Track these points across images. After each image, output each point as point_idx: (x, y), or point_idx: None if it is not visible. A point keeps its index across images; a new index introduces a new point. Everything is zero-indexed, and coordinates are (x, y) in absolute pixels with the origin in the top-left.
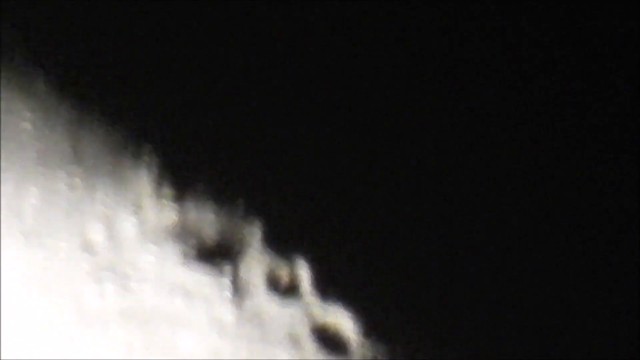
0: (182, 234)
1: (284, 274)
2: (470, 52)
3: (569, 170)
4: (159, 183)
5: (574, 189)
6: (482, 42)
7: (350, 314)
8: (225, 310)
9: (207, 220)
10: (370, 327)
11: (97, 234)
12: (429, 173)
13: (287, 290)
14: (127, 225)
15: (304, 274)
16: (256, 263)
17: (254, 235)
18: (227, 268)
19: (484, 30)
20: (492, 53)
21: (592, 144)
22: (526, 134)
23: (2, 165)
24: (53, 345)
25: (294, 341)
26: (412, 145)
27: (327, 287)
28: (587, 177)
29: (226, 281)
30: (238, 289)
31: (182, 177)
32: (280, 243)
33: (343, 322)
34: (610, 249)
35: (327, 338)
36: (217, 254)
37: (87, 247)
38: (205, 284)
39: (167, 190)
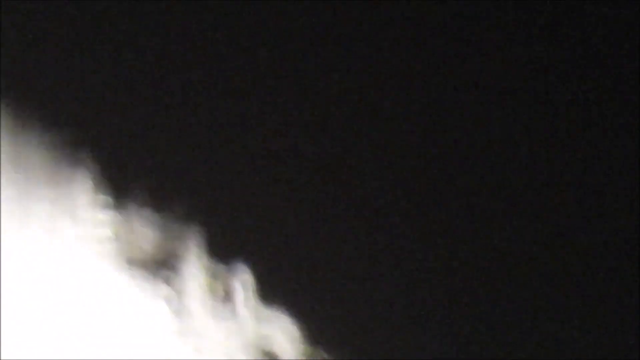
0: (120, 242)
1: (222, 283)
2: (470, 52)
3: (569, 170)
4: (96, 191)
5: (574, 188)
6: (482, 42)
7: (289, 322)
8: (162, 322)
9: (145, 228)
10: (309, 334)
11: (35, 244)
12: (372, 173)
13: (225, 299)
14: (66, 234)
15: (244, 282)
16: (195, 272)
17: (193, 243)
18: (165, 278)
19: (484, 30)
20: (492, 53)
21: (592, 143)
22: (526, 133)
23: None
24: None
25: (230, 355)
26: (351, 142)
27: (267, 295)
28: (587, 177)
29: (163, 292)
30: (175, 300)
31: (120, 184)
32: (220, 250)
33: (281, 332)
34: (611, 249)
35: (263, 351)
36: (155, 263)
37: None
38: (143, 295)
39: (106, 199)
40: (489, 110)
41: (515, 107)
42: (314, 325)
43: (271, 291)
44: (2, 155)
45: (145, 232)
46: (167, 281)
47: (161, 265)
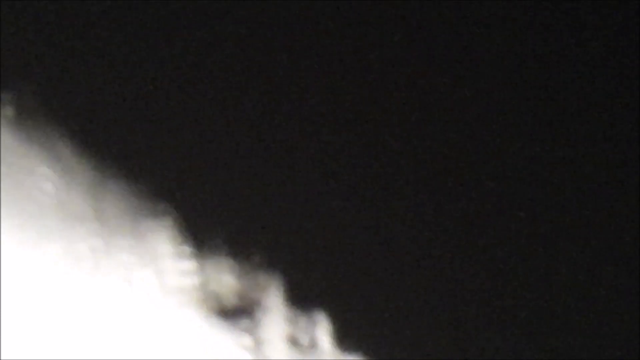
0: (202, 293)
1: (302, 332)
2: (470, 52)
3: (569, 170)
4: (178, 242)
5: (574, 189)
6: (482, 42)
7: None
8: None
9: (226, 278)
10: None
11: (116, 294)
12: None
13: (307, 347)
14: (149, 285)
15: (323, 330)
16: (275, 321)
17: (273, 291)
18: (246, 327)
19: (484, 30)
20: (492, 53)
21: (592, 143)
22: (526, 134)
23: (21, 225)
24: None
25: None
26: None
27: (347, 342)
28: (587, 177)
29: (245, 341)
30: (259, 350)
31: (200, 235)
32: (300, 299)
33: None
34: (611, 249)
35: None
36: (236, 312)
37: (108, 304)
38: (224, 344)
39: (187, 249)
40: (489, 110)
41: (515, 107)
42: None
43: (351, 339)
44: (84, 206)
45: (226, 281)
46: (248, 330)
47: (242, 315)
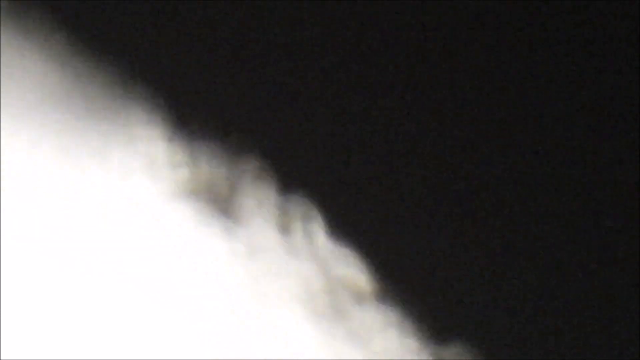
0: (195, 187)
1: (295, 220)
2: (470, 52)
3: (569, 170)
4: (171, 139)
5: (574, 189)
6: (482, 42)
7: (363, 264)
8: (239, 266)
9: (218, 164)
10: (385, 276)
11: (112, 191)
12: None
13: (300, 237)
14: (141, 181)
15: (317, 222)
16: (267, 209)
17: (267, 186)
18: (241, 221)
19: (484, 30)
20: (492, 54)
21: (592, 144)
22: (525, 134)
23: (16, 115)
24: None
25: (309, 296)
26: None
27: (340, 233)
28: (587, 177)
29: (240, 236)
30: (249, 240)
31: (181, 115)
32: (294, 191)
33: (349, 268)
34: (611, 249)
35: (338, 289)
36: (227, 199)
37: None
38: (219, 239)
39: (179, 146)
40: (489, 111)
41: (515, 107)
42: (383, 262)
43: (343, 229)
44: (76, 95)
45: (218, 167)
46: (239, 220)
47: (233, 202)
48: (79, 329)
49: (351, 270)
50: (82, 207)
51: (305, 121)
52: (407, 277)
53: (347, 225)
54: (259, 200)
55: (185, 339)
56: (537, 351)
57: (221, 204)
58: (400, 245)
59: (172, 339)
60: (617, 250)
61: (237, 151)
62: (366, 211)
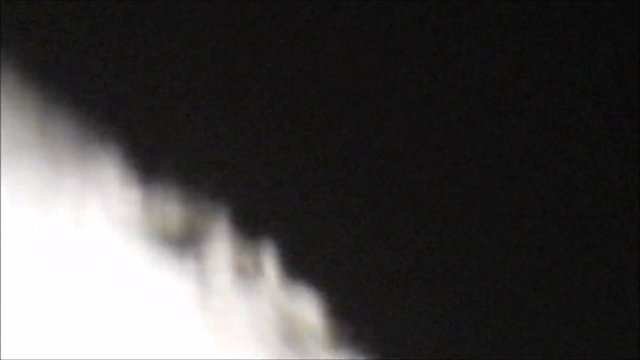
0: (148, 218)
1: (248, 259)
2: (470, 52)
3: (569, 171)
4: (124, 168)
5: (574, 189)
6: (482, 42)
7: (315, 298)
8: (190, 302)
9: (172, 207)
10: (336, 309)
11: (63, 220)
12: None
13: (253, 275)
14: (93, 210)
15: (270, 259)
16: (221, 249)
17: (219, 219)
18: (192, 255)
19: (484, 30)
20: (492, 54)
21: (592, 144)
22: (526, 134)
23: None
24: None
25: (259, 334)
26: (369, 129)
27: (292, 271)
28: (587, 177)
29: (190, 269)
30: (203, 279)
31: (148, 160)
32: (246, 226)
33: (306, 308)
34: (611, 249)
35: (292, 327)
36: (182, 239)
37: (54, 233)
38: (169, 272)
39: (133, 175)
40: (488, 111)
41: (515, 108)
42: (338, 299)
43: (296, 267)
44: (30, 132)
45: (172, 208)
46: (194, 258)
47: (188, 242)
48: None
49: (304, 308)
50: (39, 247)
51: (261, 164)
52: (359, 315)
53: (301, 264)
54: (214, 241)
55: None
56: None
57: (176, 244)
58: (353, 284)
59: None
60: (617, 251)
61: (193, 193)
62: (320, 251)
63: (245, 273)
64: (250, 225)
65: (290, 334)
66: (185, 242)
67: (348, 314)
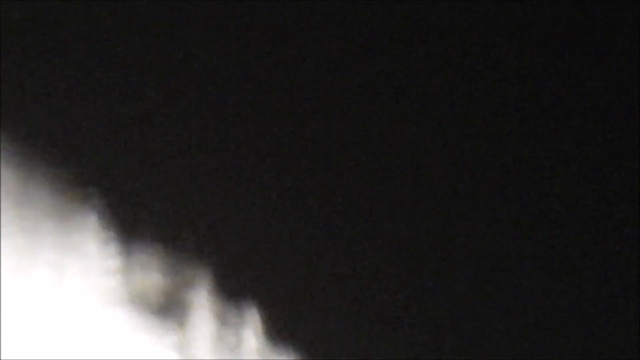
0: (129, 291)
1: (231, 330)
2: (470, 53)
3: (569, 171)
4: (104, 240)
5: (574, 189)
6: (482, 43)
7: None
8: None
9: (153, 276)
10: None
11: (42, 280)
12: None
13: (235, 346)
14: (72, 272)
15: (251, 328)
16: (203, 320)
17: (201, 289)
18: (175, 326)
19: (483, 31)
20: (492, 54)
21: (592, 144)
22: (525, 134)
23: None
24: None
25: None
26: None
27: (276, 339)
28: (587, 177)
29: (174, 340)
30: (186, 349)
31: (127, 231)
32: (228, 296)
33: None
34: (611, 249)
35: None
36: (164, 310)
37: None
38: (152, 345)
39: (113, 247)
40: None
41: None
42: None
43: (279, 332)
44: (9, 193)
45: (153, 278)
46: (175, 329)
47: (169, 312)
48: None
49: None
50: (19, 308)
51: (242, 230)
52: None
53: (281, 324)
54: (195, 303)
55: None
56: None
57: (156, 313)
58: (331, 346)
59: None
60: (617, 252)
61: (174, 257)
62: (303, 316)
63: (227, 343)
64: (232, 294)
65: None
66: (166, 311)
67: None
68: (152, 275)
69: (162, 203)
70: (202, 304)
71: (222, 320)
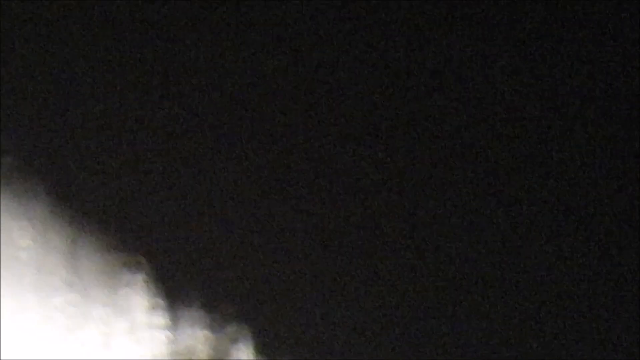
0: (175, 346)
1: None
2: (470, 53)
3: (569, 171)
4: (151, 296)
5: (574, 189)
6: (482, 43)
7: None
8: None
9: (198, 332)
10: None
11: (92, 346)
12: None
13: None
14: (122, 339)
15: None
16: None
17: (243, 346)
18: None
19: (483, 31)
20: (492, 54)
21: (592, 144)
22: (526, 134)
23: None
24: None
25: None
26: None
27: None
28: (587, 177)
29: None
30: None
31: (173, 289)
32: (270, 352)
33: None
34: (611, 249)
35: None
36: None
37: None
38: None
39: (160, 303)
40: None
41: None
42: None
43: None
44: (59, 261)
45: (198, 334)
46: None
47: None
48: None
49: None
50: None
51: (286, 295)
52: None
53: None
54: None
55: None
56: None
57: None
58: None
59: None
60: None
61: (217, 317)
62: None
63: None
64: (274, 351)
65: None
66: None
67: None
68: (197, 331)
69: (207, 263)
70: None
71: None
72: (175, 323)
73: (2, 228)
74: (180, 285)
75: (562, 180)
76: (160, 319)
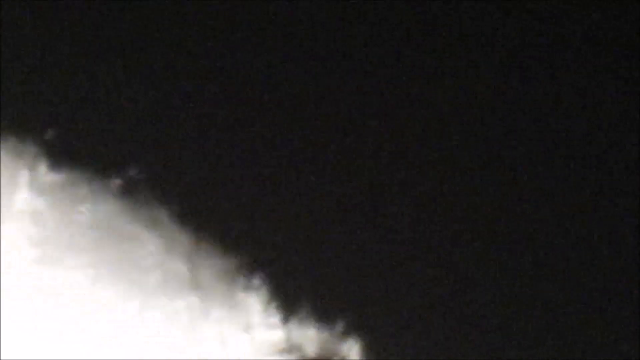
0: (288, 349)
1: None
2: (470, 53)
3: (569, 171)
4: (267, 305)
5: (574, 190)
6: (482, 43)
7: None
8: None
9: (309, 337)
10: None
11: (212, 352)
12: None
13: None
14: (239, 342)
15: None
16: None
17: (352, 351)
18: None
19: (483, 30)
20: (492, 54)
21: (592, 144)
22: (525, 134)
23: (127, 284)
24: None
25: None
26: None
27: None
28: (588, 177)
29: None
30: None
31: (288, 300)
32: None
33: None
34: (611, 249)
35: None
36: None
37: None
38: None
39: (275, 311)
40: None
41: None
42: None
43: None
44: (181, 268)
45: (307, 333)
46: None
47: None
48: None
49: None
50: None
51: (395, 294)
52: None
53: None
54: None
55: None
56: None
57: None
58: None
59: None
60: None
61: (326, 314)
62: None
63: None
64: (382, 348)
65: None
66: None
67: None
68: (308, 331)
69: (321, 277)
70: (355, 356)
71: None
72: (286, 323)
73: (130, 235)
74: (293, 288)
75: (562, 180)
76: (273, 319)
